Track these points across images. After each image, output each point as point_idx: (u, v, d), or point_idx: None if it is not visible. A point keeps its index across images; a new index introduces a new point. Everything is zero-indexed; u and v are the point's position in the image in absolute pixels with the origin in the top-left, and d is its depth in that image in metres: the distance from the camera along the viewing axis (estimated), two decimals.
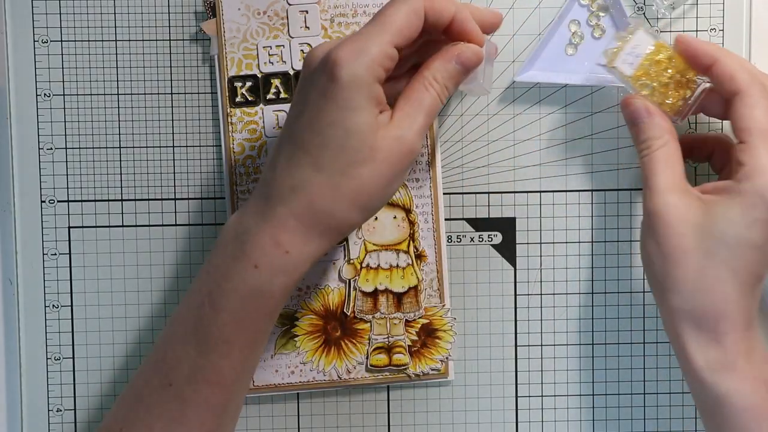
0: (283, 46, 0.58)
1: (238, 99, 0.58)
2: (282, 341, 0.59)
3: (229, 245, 0.49)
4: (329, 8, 0.58)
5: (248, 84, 0.58)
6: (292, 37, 0.58)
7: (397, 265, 0.59)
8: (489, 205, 0.61)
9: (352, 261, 0.59)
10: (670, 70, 0.53)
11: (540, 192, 0.61)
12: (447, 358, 0.60)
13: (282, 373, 0.59)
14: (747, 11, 0.60)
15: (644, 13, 0.60)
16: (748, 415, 0.49)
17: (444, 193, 0.60)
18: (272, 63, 0.58)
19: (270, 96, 0.58)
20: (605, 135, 0.60)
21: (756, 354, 0.50)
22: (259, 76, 0.58)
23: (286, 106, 0.58)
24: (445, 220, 0.60)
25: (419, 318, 0.60)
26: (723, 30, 0.60)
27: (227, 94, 0.58)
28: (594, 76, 0.59)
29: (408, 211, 0.59)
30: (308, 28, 0.58)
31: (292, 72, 0.58)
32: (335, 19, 0.58)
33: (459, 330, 0.61)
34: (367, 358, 0.60)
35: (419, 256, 0.59)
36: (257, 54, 0.58)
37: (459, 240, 0.61)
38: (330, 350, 0.59)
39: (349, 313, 0.59)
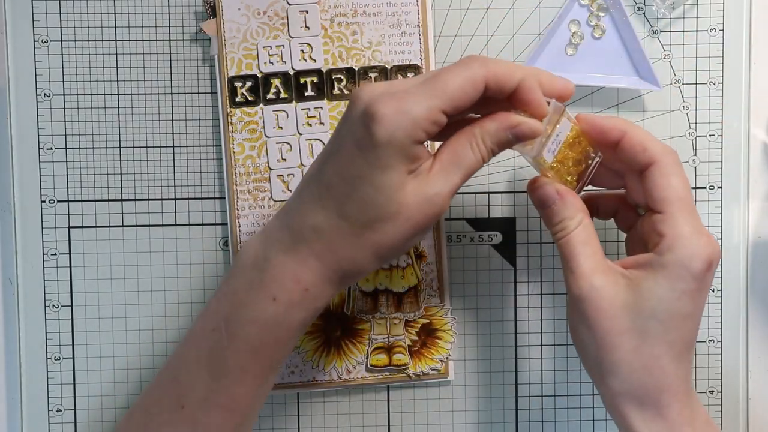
0: (283, 46, 0.58)
1: (238, 99, 0.58)
2: None
3: (248, 272, 0.49)
4: (329, 8, 0.58)
5: (248, 84, 0.58)
6: (292, 37, 0.58)
7: (397, 265, 0.59)
8: (489, 205, 0.61)
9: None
10: (577, 150, 0.51)
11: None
12: (447, 358, 0.60)
13: (282, 373, 0.59)
14: (747, 11, 0.60)
15: (644, 13, 0.60)
16: None
17: None
18: (272, 63, 0.58)
19: (270, 96, 0.58)
20: None
21: (698, 419, 0.49)
22: (259, 76, 0.58)
23: (286, 106, 0.58)
24: (445, 220, 0.60)
25: (419, 318, 0.60)
26: (723, 30, 0.60)
27: (227, 94, 0.58)
28: (594, 77, 0.59)
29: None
30: (308, 28, 0.58)
31: (292, 72, 0.58)
32: (335, 19, 0.58)
33: (459, 330, 0.61)
34: (367, 358, 0.60)
35: (419, 256, 0.59)
36: (257, 54, 0.58)
37: (459, 240, 0.61)
38: (330, 350, 0.59)
39: (349, 313, 0.59)
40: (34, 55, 0.59)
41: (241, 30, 0.58)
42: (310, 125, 0.59)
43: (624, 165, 0.51)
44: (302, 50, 0.58)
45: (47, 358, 0.60)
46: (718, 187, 0.61)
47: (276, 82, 0.58)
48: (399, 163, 0.45)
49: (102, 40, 0.59)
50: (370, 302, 0.59)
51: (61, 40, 0.59)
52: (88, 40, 0.59)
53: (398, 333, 0.59)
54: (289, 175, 0.59)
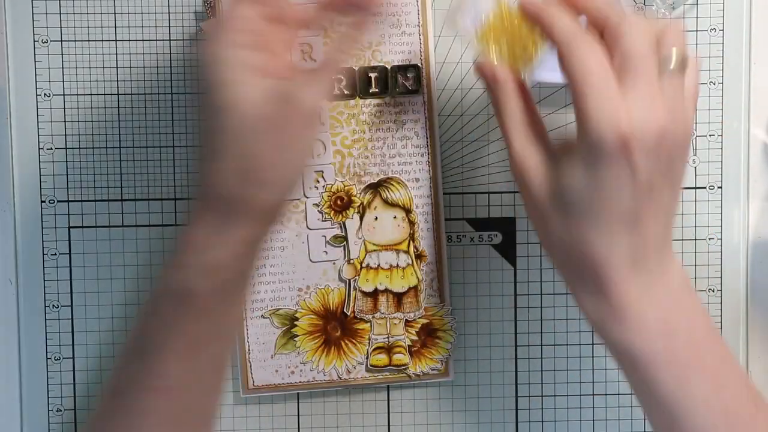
0: None
1: None
2: (282, 341, 0.59)
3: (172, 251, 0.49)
4: None
5: None
6: None
7: (397, 265, 0.59)
8: (489, 205, 0.61)
9: (352, 261, 0.59)
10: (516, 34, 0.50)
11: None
12: (447, 358, 0.60)
13: (282, 373, 0.59)
14: (747, 11, 0.60)
15: (644, 13, 0.60)
16: (651, 367, 0.45)
17: (444, 193, 0.60)
18: None
19: None
20: None
21: (655, 293, 0.46)
22: None
23: None
24: (445, 220, 0.60)
25: (419, 318, 0.60)
26: (723, 30, 0.60)
27: None
28: None
29: (408, 211, 0.59)
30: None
31: None
32: (335, 19, 0.58)
33: (459, 330, 0.61)
34: (367, 358, 0.60)
35: (419, 256, 0.59)
36: None
37: (459, 240, 0.61)
38: (330, 350, 0.59)
39: (349, 313, 0.59)
40: (34, 55, 0.59)
41: None
42: None
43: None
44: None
45: (47, 358, 0.60)
46: (718, 187, 0.61)
47: None
48: (233, 75, 0.46)
49: (102, 40, 0.59)
50: (369, 302, 0.59)
51: (61, 40, 0.59)
52: (88, 40, 0.59)
53: (398, 333, 0.59)
54: None
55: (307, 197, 0.59)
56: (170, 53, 0.60)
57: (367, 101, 0.59)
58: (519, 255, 0.61)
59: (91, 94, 0.60)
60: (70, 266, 0.60)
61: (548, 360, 0.61)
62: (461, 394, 0.61)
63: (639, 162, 0.44)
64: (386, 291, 0.59)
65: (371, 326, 0.59)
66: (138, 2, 0.59)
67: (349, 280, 0.59)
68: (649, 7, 0.60)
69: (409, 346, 0.60)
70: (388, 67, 0.58)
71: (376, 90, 0.58)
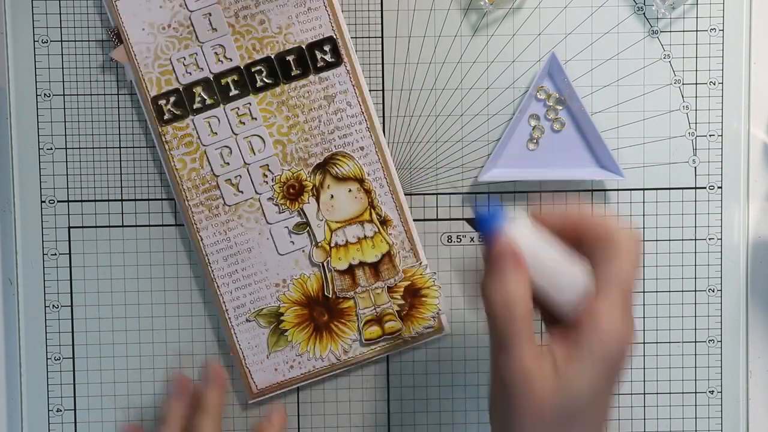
0: (196, 53, 0.58)
1: (167, 116, 0.58)
2: (273, 339, 0.59)
3: None
4: (231, 4, 0.58)
5: (172, 99, 0.58)
6: (202, 42, 0.58)
7: (365, 236, 0.59)
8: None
9: (320, 244, 0.59)
10: None
11: (540, 192, 0.61)
12: (438, 313, 0.60)
13: (281, 370, 0.59)
14: (747, 11, 0.60)
15: (644, 13, 0.60)
16: None
17: (444, 193, 0.60)
18: (190, 73, 0.58)
19: (196, 105, 0.58)
20: (605, 135, 0.60)
21: None
22: (181, 88, 0.58)
23: (215, 111, 0.58)
24: (446, 220, 0.60)
25: (400, 282, 0.60)
26: (723, 30, 0.60)
27: (154, 115, 0.58)
28: (556, 170, 0.60)
29: (361, 180, 0.59)
30: (215, 29, 0.58)
31: (211, 76, 0.58)
32: (239, 14, 0.58)
33: (459, 329, 0.61)
34: (360, 333, 0.60)
35: (384, 222, 0.59)
36: (173, 68, 0.58)
37: (459, 240, 0.61)
38: (322, 336, 0.59)
39: (330, 296, 0.59)
40: (34, 55, 0.59)
41: (150, 49, 0.58)
42: (243, 123, 0.59)
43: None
44: (216, 52, 0.58)
45: (47, 358, 0.60)
46: (718, 187, 0.61)
47: (199, 90, 0.58)
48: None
49: (102, 40, 0.59)
50: (347, 279, 0.59)
51: (61, 40, 0.59)
52: (88, 40, 0.59)
53: (383, 302, 0.59)
54: (236, 177, 0.59)
55: (259, 194, 0.59)
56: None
57: (292, 85, 0.58)
58: None
59: (91, 94, 0.60)
60: (70, 266, 0.60)
61: None
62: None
63: (625, 363, 0.46)
64: (361, 264, 0.59)
65: (356, 302, 0.59)
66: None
67: (322, 263, 0.59)
68: (649, 7, 0.60)
69: (397, 311, 0.60)
70: (304, 47, 0.58)
71: (298, 72, 0.58)
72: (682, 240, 0.61)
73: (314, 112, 0.59)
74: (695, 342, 0.61)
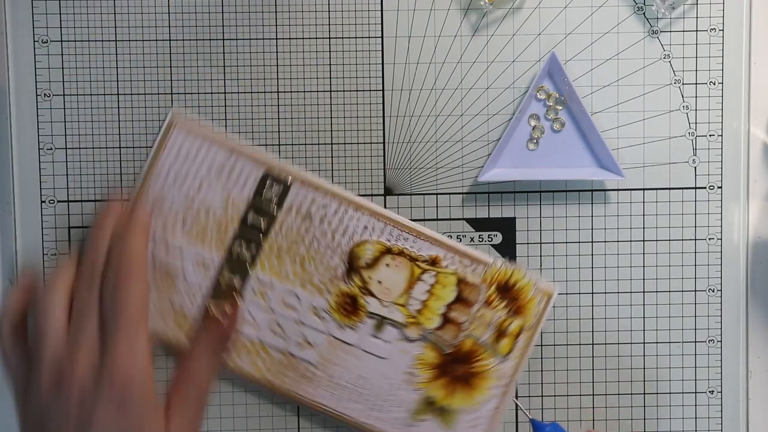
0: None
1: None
2: (422, 408, 0.59)
3: None
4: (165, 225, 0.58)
5: None
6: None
7: (431, 285, 0.59)
8: (489, 205, 0.61)
9: (406, 323, 0.59)
10: None
11: (540, 192, 0.61)
12: (536, 286, 0.58)
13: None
14: (747, 11, 0.60)
15: (644, 13, 0.60)
16: None
17: (444, 193, 0.60)
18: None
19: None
20: (605, 135, 0.60)
21: None
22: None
23: (245, 307, 0.59)
24: (445, 220, 0.60)
25: (488, 292, 0.58)
26: (723, 30, 0.60)
27: None
28: (556, 171, 0.60)
29: (388, 250, 0.59)
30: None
31: (215, 282, 0.58)
32: (186, 223, 0.58)
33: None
34: (497, 355, 0.59)
35: (433, 262, 0.59)
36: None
37: (459, 240, 0.61)
38: (471, 384, 0.59)
39: (449, 351, 0.59)
40: (34, 55, 0.59)
41: None
42: (266, 295, 0.59)
43: None
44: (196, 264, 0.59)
45: None
46: (718, 187, 0.61)
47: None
48: None
49: (102, 40, 0.59)
50: (451, 328, 0.58)
51: (61, 40, 0.59)
52: (88, 40, 0.59)
53: (492, 318, 0.58)
54: (300, 337, 0.59)
55: (328, 333, 0.59)
56: (170, 53, 0.60)
57: (271, 234, 0.58)
58: (519, 255, 0.61)
59: (91, 94, 0.60)
60: None
61: (548, 360, 0.61)
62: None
63: None
64: (448, 308, 0.59)
65: (473, 336, 0.59)
66: (138, 2, 0.59)
67: (421, 334, 0.59)
68: (649, 7, 0.60)
69: (508, 313, 0.58)
70: (250, 200, 0.58)
71: (266, 221, 0.58)
72: (682, 240, 0.61)
73: (307, 237, 0.58)
74: (695, 342, 0.61)
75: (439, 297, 0.58)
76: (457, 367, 0.59)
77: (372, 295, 0.59)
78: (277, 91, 0.60)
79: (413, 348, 0.59)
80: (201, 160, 0.58)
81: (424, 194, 0.61)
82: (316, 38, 0.60)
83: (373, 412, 0.59)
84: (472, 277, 0.58)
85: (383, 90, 0.60)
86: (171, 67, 0.60)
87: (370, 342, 0.59)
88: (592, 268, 0.61)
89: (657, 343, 0.61)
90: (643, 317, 0.61)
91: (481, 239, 0.61)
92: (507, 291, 0.59)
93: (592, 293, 0.61)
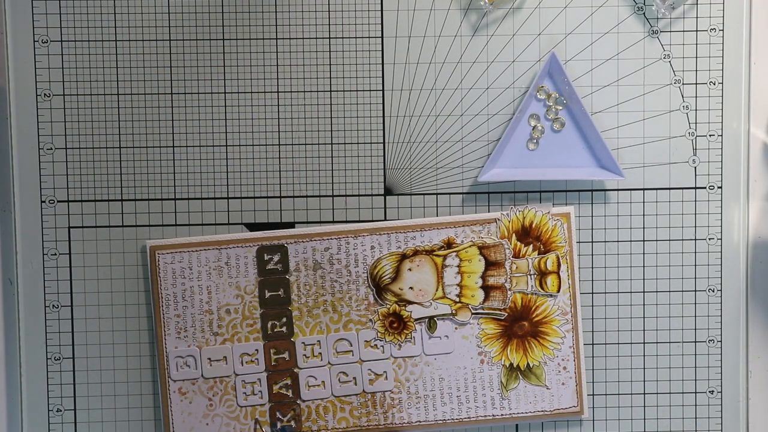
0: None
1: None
2: (509, 376, 0.60)
3: None
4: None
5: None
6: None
7: (459, 266, 0.59)
8: (489, 205, 0.61)
9: (453, 311, 0.59)
10: None
11: (540, 192, 0.61)
12: (554, 217, 0.59)
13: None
14: (747, 11, 0.60)
15: (644, 13, 0.60)
16: None
17: (444, 193, 0.60)
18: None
19: (302, 387, 0.60)
20: (605, 135, 0.60)
21: None
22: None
23: (318, 368, 0.59)
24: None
25: (513, 242, 0.59)
26: (723, 30, 0.60)
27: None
28: (557, 171, 0.60)
29: (403, 255, 0.59)
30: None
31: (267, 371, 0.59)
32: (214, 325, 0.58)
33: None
34: (555, 298, 0.59)
35: (450, 244, 0.59)
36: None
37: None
38: (540, 334, 0.60)
39: (505, 315, 0.59)
40: (34, 55, 0.59)
41: None
42: (314, 352, 0.60)
43: None
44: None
45: (47, 358, 0.60)
46: (718, 187, 0.61)
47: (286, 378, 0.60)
48: None
49: (102, 40, 0.59)
50: (497, 293, 0.59)
51: (61, 40, 0.59)
52: (88, 40, 0.59)
53: (526, 267, 0.59)
54: (369, 373, 0.60)
55: (389, 355, 0.59)
56: (170, 53, 0.60)
57: (293, 297, 0.59)
58: None
59: (91, 94, 0.60)
60: (70, 266, 0.60)
61: None
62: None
63: None
64: (483, 277, 0.59)
65: (518, 293, 0.59)
66: (138, 2, 0.59)
67: (474, 313, 0.59)
68: (649, 7, 0.60)
69: (539, 252, 0.59)
70: (259, 280, 0.59)
71: (280, 292, 0.59)
72: (682, 240, 0.61)
73: (326, 284, 0.59)
74: (695, 342, 0.61)
75: (471, 272, 0.59)
76: (520, 326, 0.59)
77: (410, 302, 0.59)
78: (277, 91, 0.60)
79: (472, 330, 0.59)
80: (197, 269, 0.58)
81: (424, 194, 0.61)
82: (316, 38, 0.60)
83: (465, 405, 0.59)
84: (490, 240, 0.59)
85: (383, 90, 0.60)
86: (171, 67, 0.60)
87: (430, 345, 0.59)
88: (592, 268, 0.61)
89: (657, 343, 0.61)
90: (643, 317, 0.61)
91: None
92: (528, 234, 0.59)
93: (592, 293, 0.61)
